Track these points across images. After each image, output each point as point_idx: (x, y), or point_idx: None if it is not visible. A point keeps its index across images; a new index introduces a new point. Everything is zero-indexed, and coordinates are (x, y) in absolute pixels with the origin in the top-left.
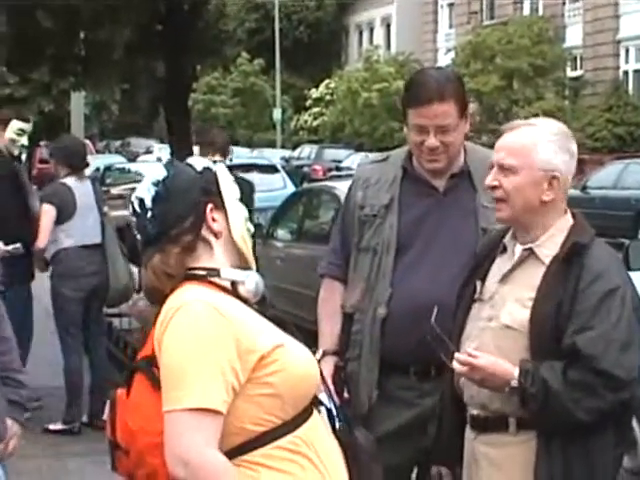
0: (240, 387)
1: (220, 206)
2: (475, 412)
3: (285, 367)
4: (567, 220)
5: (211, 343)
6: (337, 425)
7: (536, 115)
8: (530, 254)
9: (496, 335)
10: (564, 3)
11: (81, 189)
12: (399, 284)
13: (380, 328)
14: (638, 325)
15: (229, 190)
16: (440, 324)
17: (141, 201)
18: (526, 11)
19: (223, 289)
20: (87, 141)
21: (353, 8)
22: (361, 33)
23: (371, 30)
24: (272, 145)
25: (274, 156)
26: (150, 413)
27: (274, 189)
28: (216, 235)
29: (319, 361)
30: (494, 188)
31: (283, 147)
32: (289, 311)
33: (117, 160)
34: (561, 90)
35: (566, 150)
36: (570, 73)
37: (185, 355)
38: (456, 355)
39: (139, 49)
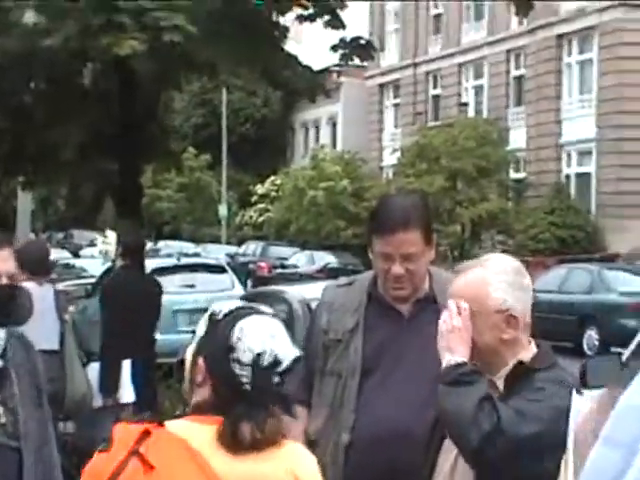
0: None
1: None
2: None
3: None
4: (530, 352)
5: None
6: None
7: (480, 216)
8: (492, 385)
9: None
10: (507, 107)
11: (40, 294)
12: (363, 410)
13: (343, 455)
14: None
15: None
16: (405, 453)
17: (275, 362)
18: (471, 113)
19: None
20: (32, 235)
21: (299, 106)
22: (307, 130)
23: (317, 128)
24: (217, 240)
25: (219, 252)
26: None
27: (222, 289)
28: None
29: None
30: None
31: (228, 243)
32: None
33: (61, 255)
34: (504, 192)
35: (519, 287)
36: (513, 175)
37: None
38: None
39: (91, 150)
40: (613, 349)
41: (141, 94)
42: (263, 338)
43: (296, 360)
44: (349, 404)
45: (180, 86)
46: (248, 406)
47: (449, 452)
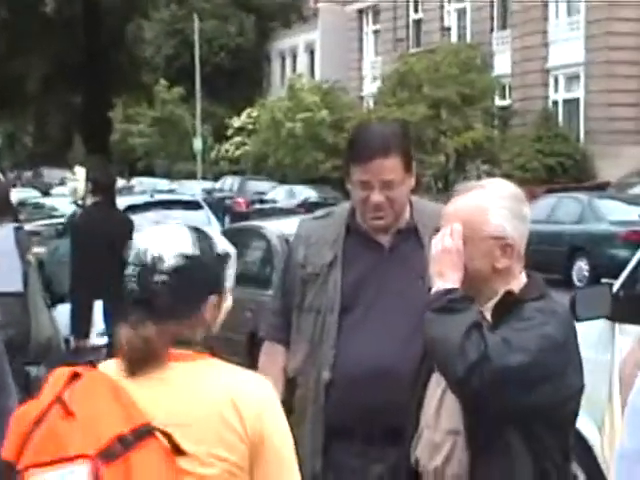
0: None
1: (219, 297)
2: None
3: None
4: (520, 282)
5: None
6: None
7: (465, 146)
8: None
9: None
10: (492, 30)
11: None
12: (343, 346)
13: (324, 393)
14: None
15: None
16: (388, 389)
17: (157, 259)
18: (453, 38)
19: None
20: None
21: (275, 34)
22: (284, 59)
23: (294, 56)
24: (192, 176)
25: (195, 187)
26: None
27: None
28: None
29: None
30: None
31: (204, 178)
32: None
33: (31, 194)
34: (490, 120)
35: (518, 215)
36: (499, 102)
37: (290, 443)
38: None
39: (56, 81)
40: (604, 280)
41: (107, 21)
42: (150, 238)
43: (186, 258)
44: (329, 340)
45: (147, 14)
46: (130, 305)
47: (437, 385)
